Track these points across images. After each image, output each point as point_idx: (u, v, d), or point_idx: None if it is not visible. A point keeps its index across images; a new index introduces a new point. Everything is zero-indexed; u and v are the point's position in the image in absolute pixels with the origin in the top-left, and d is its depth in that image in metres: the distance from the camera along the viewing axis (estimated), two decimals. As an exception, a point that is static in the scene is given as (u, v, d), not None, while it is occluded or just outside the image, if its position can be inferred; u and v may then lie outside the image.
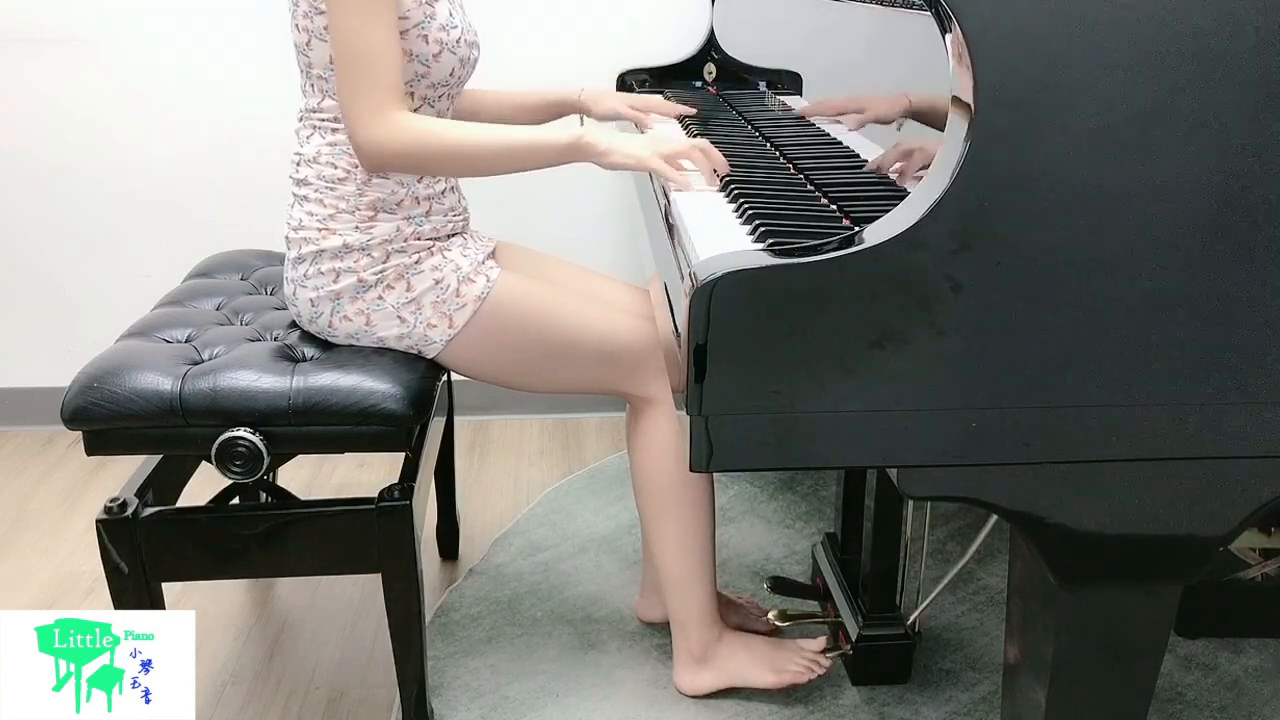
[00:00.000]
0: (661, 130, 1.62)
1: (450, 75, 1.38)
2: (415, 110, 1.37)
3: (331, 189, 1.35)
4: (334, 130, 1.34)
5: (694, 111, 1.71)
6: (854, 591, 1.61)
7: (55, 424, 1.35)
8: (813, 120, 1.47)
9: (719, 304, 0.82)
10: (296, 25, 1.32)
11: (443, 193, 1.41)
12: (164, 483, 1.42)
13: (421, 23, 1.31)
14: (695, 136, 1.54)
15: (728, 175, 1.28)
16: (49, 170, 2.26)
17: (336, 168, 1.35)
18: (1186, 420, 0.88)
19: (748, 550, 1.91)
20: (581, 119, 1.70)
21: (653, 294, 1.22)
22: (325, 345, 1.40)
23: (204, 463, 1.34)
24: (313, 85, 1.35)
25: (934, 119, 0.97)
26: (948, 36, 0.82)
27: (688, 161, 1.32)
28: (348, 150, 1.34)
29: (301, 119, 1.39)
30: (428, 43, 1.32)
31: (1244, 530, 0.95)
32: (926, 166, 1.04)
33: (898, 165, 1.14)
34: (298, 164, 1.39)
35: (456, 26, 1.36)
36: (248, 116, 2.22)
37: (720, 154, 1.31)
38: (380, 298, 1.36)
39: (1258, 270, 0.85)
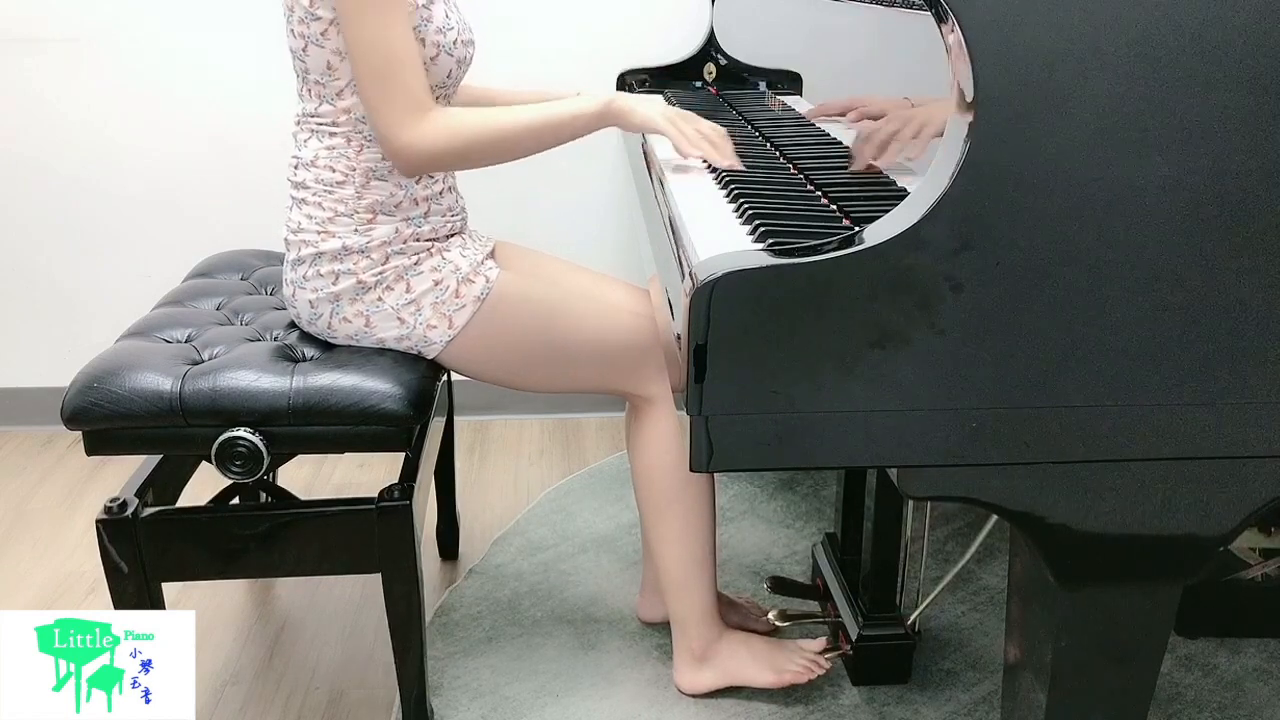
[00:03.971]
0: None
1: (448, 77, 1.37)
2: None
3: (330, 192, 1.35)
4: (331, 134, 1.34)
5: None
6: (854, 591, 1.61)
7: (55, 424, 1.35)
8: (813, 120, 1.47)
9: (719, 304, 0.82)
10: (292, 31, 1.32)
11: (440, 193, 1.41)
12: (164, 483, 1.42)
13: (418, 26, 1.30)
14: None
15: (726, 174, 1.28)
16: (49, 170, 2.26)
17: (335, 171, 1.34)
18: (1187, 420, 0.88)
19: (748, 550, 1.91)
20: None
21: (653, 294, 1.22)
22: (325, 345, 1.40)
23: (204, 463, 1.34)
24: (309, 90, 1.35)
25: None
26: (947, 36, 0.82)
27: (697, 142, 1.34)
28: (345, 154, 1.34)
29: (299, 123, 1.38)
30: (424, 46, 1.32)
31: (1244, 530, 0.95)
32: (913, 135, 1.04)
33: (877, 156, 1.14)
34: (295, 167, 1.39)
35: (453, 28, 1.36)
36: (247, 116, 2.22)
37: (732, 149, 1.33)
38: (380, 299, 1.36)
39: (1257, 269, 0.85)
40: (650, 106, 1.36)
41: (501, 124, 1.31)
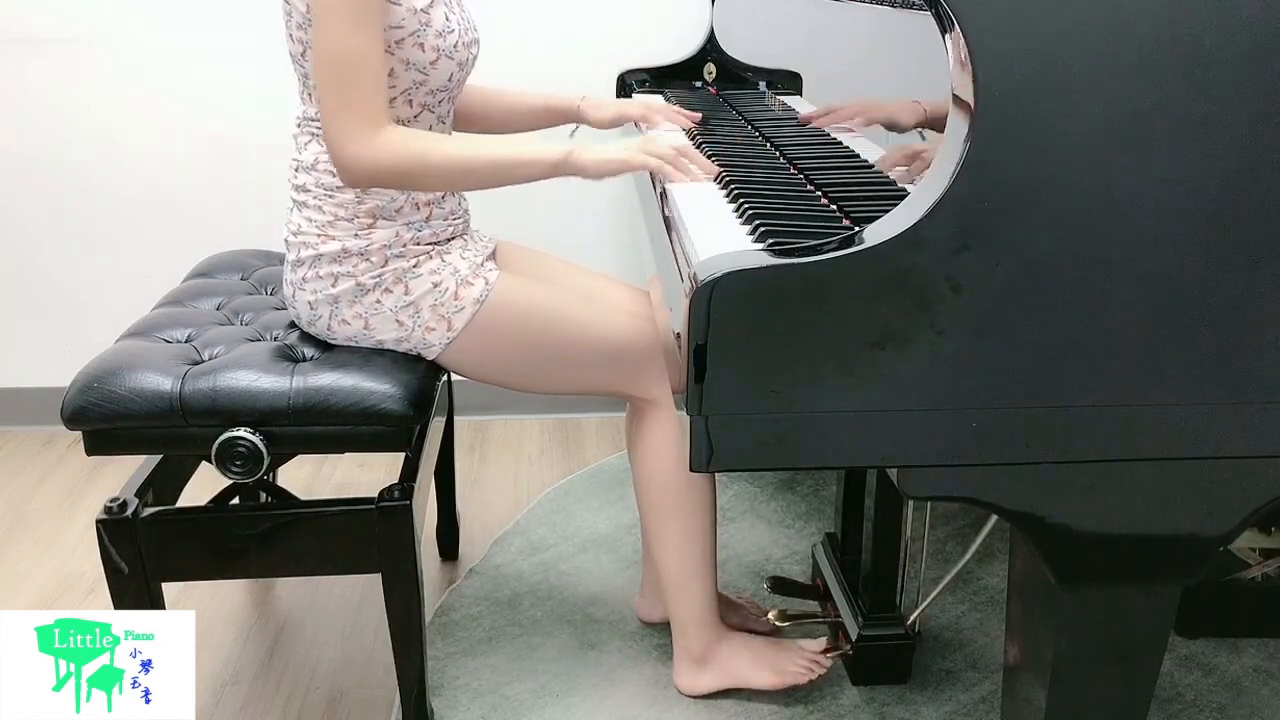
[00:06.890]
0: (662, 135, 1.61)
1: (449, 80, 1.36)
2: (416, 117, 1.36)
3: (330, 196, 1.35)
4: None
5: (698, 118, 1.68)
6: (854, 592, 1.61)
7: (55, 424, 1.35)
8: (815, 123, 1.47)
9: (719, 304, 0.82)
10: (290, 35, 1.31)
11: (443, 197, 1.41)
12: (164, 483, 1.42)
13: (417, 31, 1.29)
14: (694, 137, 1.54)
15: (726, 174, 1.28)
16: (48, 170, 2.26)
17: (334, 175, 1.34)
18: (1187, 420, 0.88)
19: (748, 550, 1.91)
20: (575, 127, 1.68)
21: (653, 294, 1.22)
22: (325, 345, 1.40)
23: (204, 463, 1.34)
24: (309, 94, 1.34)
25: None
26: (948, 36, 0.82)
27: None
28: None
29: (300, 125, 1.38)
30: (424, 50, 1.30)
31: (1244, 530, 0.95)
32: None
33: (900, 168, 1.14)
34: (295, 170, 1.38)
35: (454, 30, 1.34)
36: (247, 116, 2.22)
37: (704, 157, 1.31)
38: (378, 301, 1.36)
39: (1257, 269, 0.85)
40: (614, 152, 1.30)
41: (451, 155, 1.27)
